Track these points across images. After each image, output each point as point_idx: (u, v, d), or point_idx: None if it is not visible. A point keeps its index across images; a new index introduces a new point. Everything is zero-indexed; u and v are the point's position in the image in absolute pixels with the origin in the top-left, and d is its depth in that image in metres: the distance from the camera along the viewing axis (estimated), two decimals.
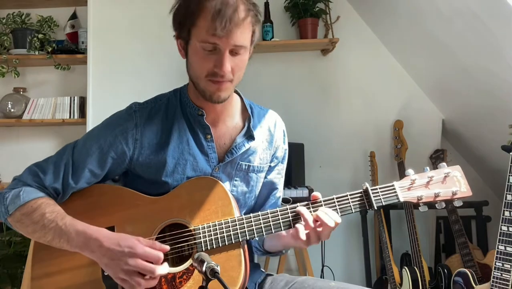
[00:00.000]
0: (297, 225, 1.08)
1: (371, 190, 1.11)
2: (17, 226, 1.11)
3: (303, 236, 1.06)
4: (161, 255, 1.03)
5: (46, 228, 1.06)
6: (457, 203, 1.14)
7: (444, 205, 1.14)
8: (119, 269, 1.01)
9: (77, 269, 1.09)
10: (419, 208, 1.15)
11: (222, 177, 1.21)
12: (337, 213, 1.10)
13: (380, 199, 1.11)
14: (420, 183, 1.13)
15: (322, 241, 2.60)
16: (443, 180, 1.13)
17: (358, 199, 1.11)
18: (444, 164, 1.16)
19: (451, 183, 1.13)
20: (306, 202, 1.12)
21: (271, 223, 1.10)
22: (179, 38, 1.14)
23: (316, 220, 1.07)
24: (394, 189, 1.12)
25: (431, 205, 1.15)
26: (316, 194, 1.13)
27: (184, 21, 1.09)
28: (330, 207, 1.10)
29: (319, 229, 1.07)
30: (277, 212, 1.11)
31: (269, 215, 1.11)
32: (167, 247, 1.05)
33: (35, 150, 2.99)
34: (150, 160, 1.16)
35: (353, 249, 2.89)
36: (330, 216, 1.07)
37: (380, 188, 1.12)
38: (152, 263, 1.02)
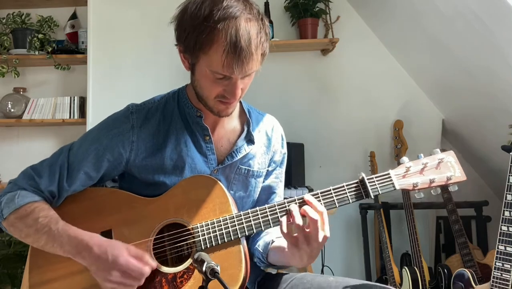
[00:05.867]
0: (281, 218, 1.06)
1: (367, 179, 1.11)
2: (11, 230, 1.10)
3: (284, 228, 1.04)
4: (146, 270, 1.02)
5: (39, 232, 1.06)
6: (452, 188, 1.14)
7: (439, 191, 1.15)
8: (105, 279, 1.01)
9: (75, 275, 1.08)
10: (415, 194, 1.15)
11: (220, 179, 1.19)
12: (335, 204, 1.09)
13: (377, 187, 1.10)
14: (415, 170, 1.13)
15: None
16: (437, 165, 1.13)
17: (355, 188, 1.11)
18: (438, 150, 1.16)
19: (445, 168, 1.13)
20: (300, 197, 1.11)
21: (269, 218, 1.09)
22: (184, 53, 1.11)
23: (303, 215, 1.05)
24: (389, 177, 1.12)
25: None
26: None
27: (194, 47, 1.04)
28: (327, 198, 1.09)
29: (307, 230, 1.02)
30: (274, 206, 1.10)
31: (267, 210, 1.10)
32: (154, 264, 1.05)
33: (35, 150, 3.00)
34: (147, 162, 1.15)
35: (353, 249, 2.89)
36: (316, 207, 1.04)
37: (376, 177, 1.11)
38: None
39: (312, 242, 1.02)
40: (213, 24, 1.00)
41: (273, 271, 1.32)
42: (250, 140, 1.23)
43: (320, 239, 1.01)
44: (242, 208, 1.25)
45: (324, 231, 1.02)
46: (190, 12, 1.05)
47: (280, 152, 1.32)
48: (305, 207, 1.05)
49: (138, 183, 1.17)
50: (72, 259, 1.05)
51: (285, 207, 1.10)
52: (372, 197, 1.10)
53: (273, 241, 1.20)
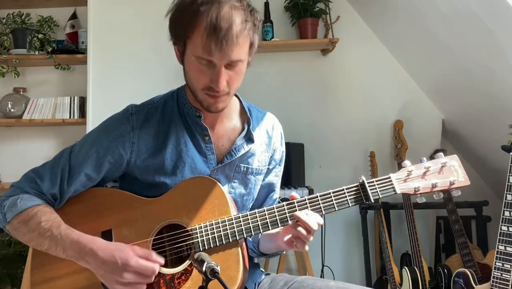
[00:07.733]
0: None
1: (368, 183, 1.10)
2: (14, 234, 1.11)
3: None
4: (156, 268, 1.03)
5: (42, 236, 1.06)
6: (455, 193, 1.12)
7: (442, 195, 1.13)
8: (115, 281, 1.02)
9: (76, 274, 1.08)
10: (417, 198, 1.14)
11: (220, 179, 1.20)
12: (334, 208, 1.10)
13: (377, 191, 1.10)
14: (416, 174, 1.12)
15: (322, 241, 2.65)
16: (440, 170, 1.12)
17: (355, 192, 1.10)
18: (441, 153, 1.14)
19: (448, 172, 1.12)
20: (302, 198, 1.12)
21: (268, 220, 1.10)
22: (175, 45, 1.13)
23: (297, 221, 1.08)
24: (390, 181, 1.11)
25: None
26: (294, 194, 1.13)
27: (179, 33, 1.08)
28: (326, 202, 1.10)
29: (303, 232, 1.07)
30: (273, 208, 1.11)
31: (266, 212, 1.10)
32: (162, 260, 1.05)
33: (35, 150, 2.99)
34: (148, 162, 1.16)
35: (353, 249, 2.89)
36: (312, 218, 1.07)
37: (376, 181, 1.11)
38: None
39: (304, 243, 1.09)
40: (196, 7, 1.02)
41: (274, 273, 1.32)
42: (249, 139, 1.23)
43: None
44: (243, 206, 1.26)
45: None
46: (179, 1, 1.08)
47: (280, 150, 1.33)
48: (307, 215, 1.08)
49: (139, 184, 1.17)
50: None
51: (285, 209, 1.10)
52: (372, 201, 1.10)
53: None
